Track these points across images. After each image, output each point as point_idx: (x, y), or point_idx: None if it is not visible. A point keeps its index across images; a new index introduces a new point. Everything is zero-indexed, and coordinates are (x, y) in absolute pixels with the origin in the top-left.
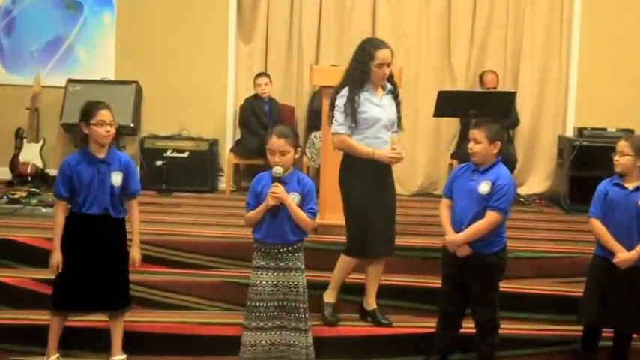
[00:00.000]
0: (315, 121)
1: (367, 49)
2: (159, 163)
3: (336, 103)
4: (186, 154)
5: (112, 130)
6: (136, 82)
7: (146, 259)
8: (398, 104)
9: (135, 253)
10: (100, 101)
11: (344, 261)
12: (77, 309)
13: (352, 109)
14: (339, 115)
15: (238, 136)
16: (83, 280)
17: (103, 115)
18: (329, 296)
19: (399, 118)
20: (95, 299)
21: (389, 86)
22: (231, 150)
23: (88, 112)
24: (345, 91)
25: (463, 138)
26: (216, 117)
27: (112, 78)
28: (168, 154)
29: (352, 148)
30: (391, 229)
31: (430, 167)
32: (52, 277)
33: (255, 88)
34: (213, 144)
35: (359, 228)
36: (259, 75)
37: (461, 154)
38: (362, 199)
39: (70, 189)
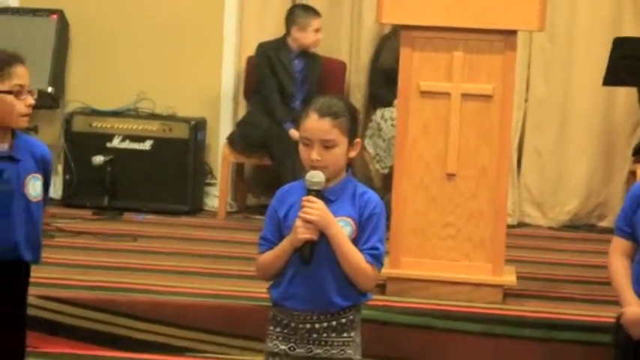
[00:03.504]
0: (383, 90)
1: None
2: (98, 159)
3: None
4: (147, 145)
5: (32, 103)
6: (59, 13)
7: (74, 335)
8: None
9: None
10: (7, 51)
11: None
12: None
13: None
14: None
15: (243, 114)
16: None
17: (20, 75)
18: None
19: None
20: None
21: None
22: (230, 139)
23: None
24: None
25: None
26: (203, 80)
27: (16, 5)
28: (116, 143)
29: None
30: None
31: (593, 178)
32: None
33: (295, 36)
34: (198, 127)
35: None
36: (307, 11)
37: None
38: None
39: None
